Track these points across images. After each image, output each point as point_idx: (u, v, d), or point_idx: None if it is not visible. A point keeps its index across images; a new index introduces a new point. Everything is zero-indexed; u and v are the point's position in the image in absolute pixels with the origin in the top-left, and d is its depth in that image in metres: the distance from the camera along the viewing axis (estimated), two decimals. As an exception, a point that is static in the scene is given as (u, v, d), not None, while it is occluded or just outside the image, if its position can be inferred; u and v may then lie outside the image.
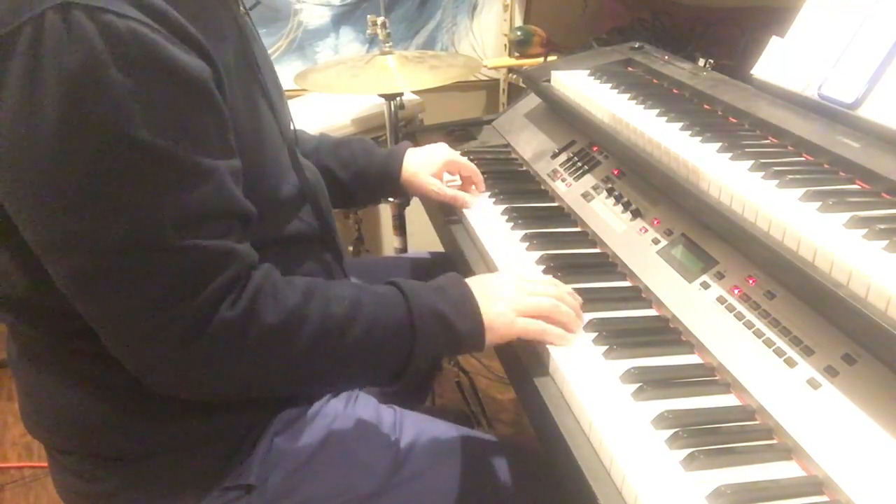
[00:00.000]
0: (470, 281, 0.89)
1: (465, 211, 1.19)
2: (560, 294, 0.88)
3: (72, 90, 0.63)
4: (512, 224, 1.15)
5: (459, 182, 1.27)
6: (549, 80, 1.40)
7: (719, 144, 1.00)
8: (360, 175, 1.20)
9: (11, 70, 0.64)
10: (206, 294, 0.71)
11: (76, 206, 0.66)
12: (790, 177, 0.88)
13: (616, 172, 1.17)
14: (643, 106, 1.17)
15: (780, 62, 1.12)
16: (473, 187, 1.26)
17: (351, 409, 0.95)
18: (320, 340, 0.78)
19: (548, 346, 0.84)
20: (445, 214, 1.25)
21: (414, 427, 0.96)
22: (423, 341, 0.81)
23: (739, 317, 0.83)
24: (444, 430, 0.98)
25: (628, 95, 1.22)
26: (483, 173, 1.27)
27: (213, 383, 0.76)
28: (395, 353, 0.82)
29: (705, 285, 0.89)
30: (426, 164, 1.21)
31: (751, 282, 0.85)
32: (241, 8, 0.90)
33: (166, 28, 0.68)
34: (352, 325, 0.79)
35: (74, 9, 0.63)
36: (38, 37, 0.63)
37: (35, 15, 0.63)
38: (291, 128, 1.00)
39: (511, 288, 0.87)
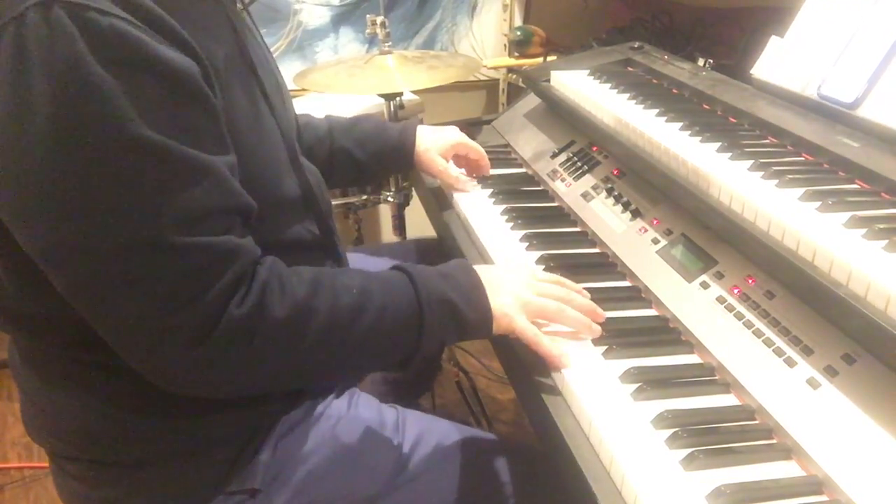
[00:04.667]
0: (478, 269, 0.88)
1: (465, 211, 1.19)
2: (568, 296, 0.88)
3: (60, 90, 0.62)
4: (512, 224, 1.15)
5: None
6: (548, 80, 1.40)
7: (719, 144, 1.00)
8: (377, 153, 1.23)
9: None
10: (214, 292, 0.70)
11: (74, 209, 0.65)
12: (790, 177, 0.88)
13: (616, 172, 1.17)
14: (643, 106, 1.17)
15: (779, 62, 1.12)
16: (475, 183, 1.28)
17: (353, 410, 0.95)
18: (330, 332, 0.77)
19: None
20: (445, 214, 1.25)
21: (416, 427, 0.96)
22: (430, 328, 0.81)
23: (739, 316, 0.83)
24: (446, 429, 0.98)
25: (628, 95, 1.22)
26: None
27: (226, 381, 0.76)
28: (403, 341, 0.82)
29: (705, 285, 0.89)
30: (437, 143, 1.24)
31: (750, 282, 0.85)
32: (238, 4, 0.89)
33: (149, 25, 0.67)
34: (361, 315, 0.78)
35: (56, 6, 0.62)
36: (21, 37, 0.62)
37: (16, 14, 0.62)
38: (293, 128, 0.99)
39: (521, 283, 0.87)
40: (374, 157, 1.22)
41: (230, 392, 0.79)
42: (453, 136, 1.26)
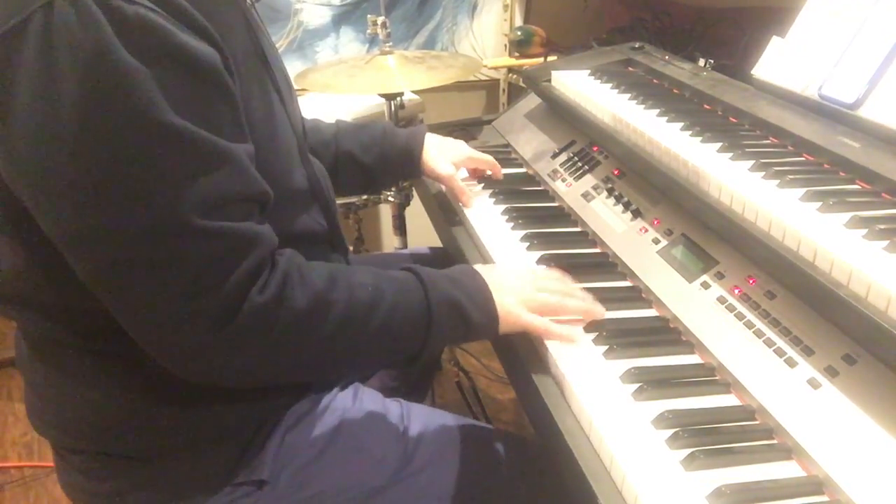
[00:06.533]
0: (481, 270, 0.89)
1: (465, 211, 1.19)
2: (569, 290, 0.89)
3: (88, 77, 0.63)
4: (512, 224, 1.15)
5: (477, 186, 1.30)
6: (549, 80, 1.40)
7: (719, 144, 1.00)
8: (382, 156, 1.22)
9: (24, 60, 0.63)
10: (235, 279, 0.71)
11: (99, 194, 0.66)
12: (790, 177, 0.88)
13: (616, 172, 1.17)
14: (643, 106, 1.17)
15: (780, 62, 1.12)
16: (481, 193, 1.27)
17: (359, 403, 0.96)
18: (345, 326, 0.78)
19: (548, 347, 0.84)
20: (446, 214, 1.25)
21: (421, 418, 0.97)
22: (437, 329, 0.82)
23: (740, 317, 0.83)
24: (451, 421, 0.99)
25: (628, 95, 1.22)
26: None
27: (242, 369, 0.76)
28: (411, 340, 0.83)
29: (705, 285, 0.89)
30: (445, 151, 1.24)
31: (751, 282, 0.85)
32: (248, 1, 0.90)
33: (173, 14, 0.68)
34: (374, 312, 0.80)
35: None
36: (49, 25, 0.63)
37: (45, 2, 0.63)
38: (300, 122, 1.00)
39: (522, 281, 0.88)
40: (379, 161, 1.21)
41: (243, 382, 0.80)
42: (463, 149, 1.26)
